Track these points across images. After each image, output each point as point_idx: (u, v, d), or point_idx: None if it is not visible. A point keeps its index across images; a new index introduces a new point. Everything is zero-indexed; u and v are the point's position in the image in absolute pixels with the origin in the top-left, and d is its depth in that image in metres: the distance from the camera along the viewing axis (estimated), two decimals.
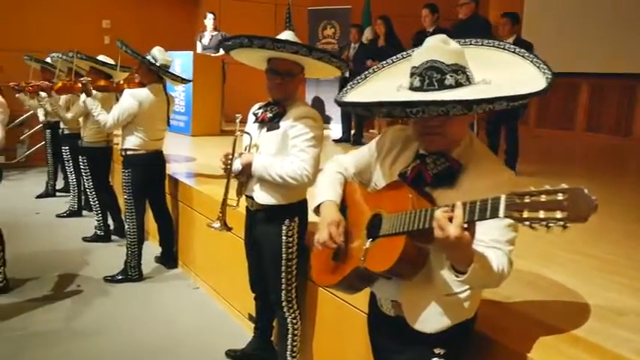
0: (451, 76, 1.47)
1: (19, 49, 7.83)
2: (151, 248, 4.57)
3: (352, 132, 7.29)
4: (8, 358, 3.07)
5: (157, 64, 4.02)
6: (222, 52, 7.72)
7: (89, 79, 4.28)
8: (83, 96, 4.19)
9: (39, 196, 6.66)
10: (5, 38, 8.52)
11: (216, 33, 7.77)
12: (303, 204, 2.66)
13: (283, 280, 2.65)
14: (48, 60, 5.88)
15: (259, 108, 2.63)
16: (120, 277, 4.12)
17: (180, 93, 7.38)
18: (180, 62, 7.26)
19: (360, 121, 7.40)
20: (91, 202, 5.10)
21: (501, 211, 1.15)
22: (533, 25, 9.16)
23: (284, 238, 2.61)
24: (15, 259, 4.15)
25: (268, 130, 2.53)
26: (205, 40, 7.83)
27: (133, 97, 3.94)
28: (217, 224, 2.70)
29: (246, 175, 2.59)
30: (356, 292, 1.79)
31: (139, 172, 4.07)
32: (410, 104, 1.42)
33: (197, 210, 4.14)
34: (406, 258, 1.45)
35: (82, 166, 5.01)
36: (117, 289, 4.02)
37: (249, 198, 2.66)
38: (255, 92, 9.67)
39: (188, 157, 5.91)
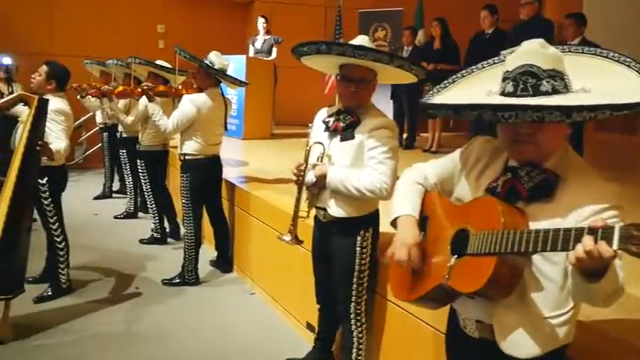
0: (547, 82, 1.37)
1: (78, 54, 8.07)
2: (207, 252, 4.58)
3: (404, 135, 7.16)
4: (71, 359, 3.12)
5: (215, 67, 4.03)
6: (274, 55, 7.77)
7: (150, 84, 4.33)
8: (144, 100, 4.25)
9: (96, 198, 6.82)
10: (66, 44, 8.80)
11: (268, 37, 7.80)
12: (376, 215, 2.58)
13: (354, 292, 2.56)
14: (107, 65, 6.01)
15: (329, 116, 2.52)
16: (177, 281, 4.14)
17: (232, 97, 7.43)
18: (233, 66, 7.29)
19: (413, 125, 7.27)
20: (149, 205, 5.18)
21: (615, 244, 1.09)
22: (592, 26, 8.78)
23: (358, 249, 2.52)
24: (76, 259, 4.23)
25: (342, 140, 2.43)
26: (258, 44, 7.86)
27: (192, 103, 3.96)
28: (288, 237, 2.61)
29: (319, 187, 2.50)
30: (437, 309, 1.70)
31: (197, 177, 4.08)
32: (503, 107, 1.33)
33: (254, 215, 4.12)
34: (496, 280, 1.36)
35: (139, 170, 5.09)
36: (174, 292, 4.04)
37: (321, 209, 2.58)
38: (306, 96, 9.73)
39: (241, 161, 5.92)
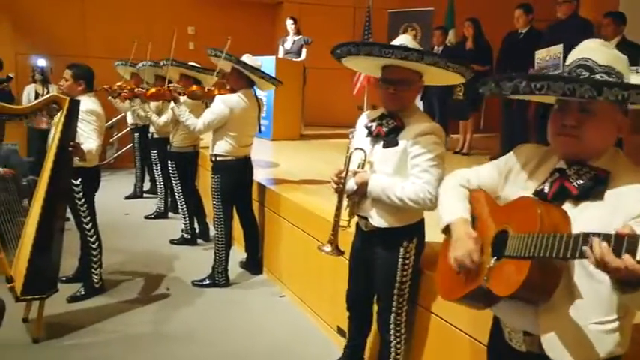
0: (601, 76, 1.32)
1: (110, 56, 8.18)
2: (237, 254, 4.57)
3: None
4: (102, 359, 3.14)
5: (249, 64, 4.01)
6: (303, 56, 7.75)
7: (179, 86, 4.34)
8: (172, 102, 4.26)
9: (127, 197, 6.90)
10: (98, 46, 8.95)
11: (298, 37, 7.78)
12: (421, 225, 2.47)
13: (394, 303, 2.47)
14: (139, 66, 6.08)
15: (372, 120, 2.41)
16: (207, 282, 4.14)
17: (261, 97, 7.42)
18: (263, 67, 7.28)
19: (443, 126, 7.11)
20: (179, 206, 5.21)
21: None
22: (631, 25, 8.53)
23: (400, 260, 2.41)
24: (107, 259, 4.26)
25: (385, 146, 2.31)
26: (287, 45, 7.85)
27: (224, 103, 3.95)
28: (328, 248, 2.48)
29: (360, 195, 2.39)
30: (483, 309, 1.64)
31: (227, 178, 4.07)
32: (537, 77, 1.32)
33: (284, 217, 4.09)
34: (531, 284, 1.33)
35: (170, 171, 5.12)
36: (204, 293, 4.04)
37: (363, 218, 2.48)
38: (335, 97, 9.68)
39: (270, 162, 5.91)
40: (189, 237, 5.15)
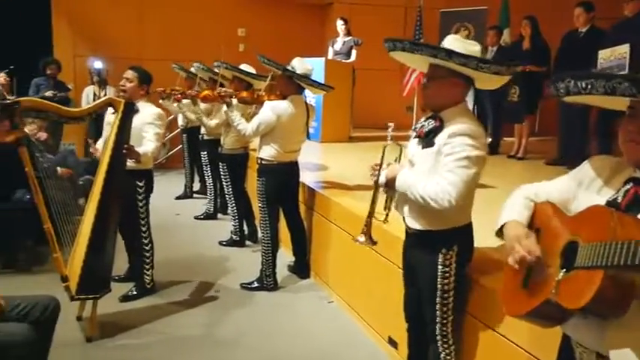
0: None
1: (164, 58, 8.35)
2: (285, 257, 4.55)
3: (488, 140, 6.83)
4: None
5: (297, 73, 3.98)
6: (353, 57, 7.67)
7: (231, 90, 4.35)
8: (225, 106, 4.27)
9: (178, 197, 7.00)
10: (153, 49, 9.14)
11: (348, 38, 7.70)
12: (464, 231, 2.37)
13: (438, 312, 2.39)
14: (192, 69, 6.15)
15: (424, 121, 2.37)
16: (256, 285, 4.13)
17: (310, 99, 7.39)
18: (312, 69, 7.26)
19: (496, 129, 6.94)
20: (229, 208, 5.23)
21: None
22: None
23: (440, 267, 2.32)
24: (157, 259, 4.31)
25: (423, 147, 2.27)
26: (337, 46, 7.79)
27: (272, 110, 3.93)
28: (362, 238, 2.50)
29: (390, 188, 2.39)
30: (549, 327, 1.55)
31: (272, 181, 4.06)
32: (581, 76, 1.33)
33: (333, 221, 4.03)
34: (604, 296, 1.24)
35: (221, 173, 5.14)
36: (253, 297, 4.03)
37: (404, 219, 2.44)
38: (384, 98, 9.55)
39: (319, 165, 5.87)
40: (237, 239, 5.17)
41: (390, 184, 2.35)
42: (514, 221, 1.63)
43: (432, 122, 2.26)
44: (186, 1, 9.38)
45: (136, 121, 3.60)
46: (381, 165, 2.39)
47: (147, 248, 3.91)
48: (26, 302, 2.53)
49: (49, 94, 6.90)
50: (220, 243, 5.17)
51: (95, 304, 3.35)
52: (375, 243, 2.54)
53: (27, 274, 4.30)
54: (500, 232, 1.69)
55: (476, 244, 2.45)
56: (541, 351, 2.06)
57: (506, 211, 1.69)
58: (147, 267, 3.94)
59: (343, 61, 7.65)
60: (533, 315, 1.50)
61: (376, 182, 2.42)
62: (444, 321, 2.40)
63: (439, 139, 2.19)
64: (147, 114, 3.71)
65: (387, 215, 2.50)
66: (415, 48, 2.20)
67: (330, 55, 7.84)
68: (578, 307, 1.28)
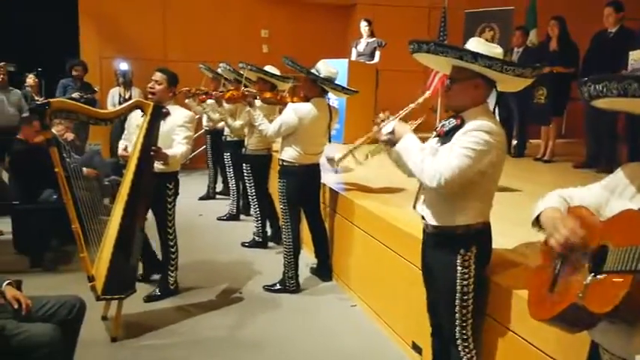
0: None
1: (188, 60, 8.42)
2: (307, 259, 4.53)
3: (513, 143, 6.74)
4: None
5: (321, 76, 3.95)
6: (377, 59, 7.63)
7: (254, 91, 4.35)
8: (248, 106, 4.28)
9: (201, 198, 7.04)
10: (177, 50, 9.23)
11: (372, 40, 7.66)
12: (482, 232, 2.34)
13: (457, 315, 2.36)
14: (219, 70, 6.17)
15: (445, 121, 2.37)
16: (278, 287, 4.12)
17: (333, 101, 7.36)
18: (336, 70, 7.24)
19: (522, 131, 6.82)
20: (252, 209, 5.23)
21: None
22: None
23: (459, 268, 2.30)
24: (182, 259, 4.33)
25: (441, 145, 2.26)
26: (361, 47, 7.75)
27: (295, 112, 3.91)
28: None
29: (390, 142, 2.38)
30: (576, 332, 1.53)
31: (292, 183, 4.05)
32: (598, 79, 1.31)
33: (356, 224, 4.00)
34: (632, 301, 1.22)
35: (245, 173, 5.15)
36: (275, 299, 4.03)
37: (423, 219, 2.43)
38: (407, 99, 9.47)
39: (343, 167, 5.82)
40: (260, 240, 5.17)
41: (393, 140, 2.34)
42: (551, 208, 1.63)
43: (453, 121, 2.26)
44: (210, 2, 9.44)
45: (168, 123, 3.62)
46: (395, 117, 2.41)
47: (172, 250, 3.92)
48: (52, 302, 2.56)
49: (75, 95, 7.00)
50: (243, 244, 5.18)
51: (120, 304, 3.38)
52: (337, 171, 2.61)
53: (53, 274, 4.36)
54: (536, 223, 1.69)
55: (497, 246, 2.45)
56: (561, 353, 2.02)
57: (542, 203, 1.70)
58: (171, 268, 3.96)
59: (366, 62, 7.61)
60: (559, 319, 1.48)
61: (379, 124, 2.45)
62: (464, 324, 2.38)
63: (456, 135, 2.20)
64: (179, 116, 3.71)
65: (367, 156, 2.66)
66: (440, 50, 2.19)
67: (354, 57, 7.81)
68: (606, 311, 1.27)
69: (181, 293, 4.03)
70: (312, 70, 3.98)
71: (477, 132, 2.12)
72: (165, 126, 3.59)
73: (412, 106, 2.56)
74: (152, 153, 3.42)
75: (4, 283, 2.50)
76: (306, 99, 4.04)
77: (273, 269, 4.32)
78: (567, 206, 1.64)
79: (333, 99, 7.18)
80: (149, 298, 3.87)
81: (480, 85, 2.24)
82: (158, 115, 3.50)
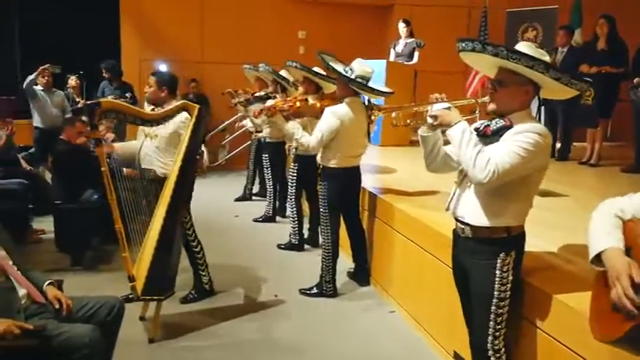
0: None
1: (225, 61, 8.49)
2: (344, 263, 4.46)
3: (557, 146, 6.51)
4: None
5: (353, 76, 3.85)
6: (415, 59, 7.51)
7: (285, 107, 4.27)
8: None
9: (237, 199, 7.04)
10: (214, 52, 9.31)
11: (410, 40, 7.54)
12: (520, 237, 2.31)
13: (491, 323, 2.29)
14: (260, 69, 6.13)
15: (489, 121, 2.33)
16: (315, 291, 4.06)
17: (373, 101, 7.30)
18: (373, 71, 7.15)
19: (567, 134, 6.60)
20: (289, 210, 5.18)
21: None
22: None
23: (497, 272, 2.25)
24: (218, 260, 4.33)
25: (487, 144, 2.20)
26: (399, 48, 7.65)
27: (334, 115, 3.84)
28: None
29: (436, 127, 2.30)
30: None
31: (333, 186, 3.98)
32: None
33: (396, 228, 3.91)
34: None
35: (290, 174, 5.08)
36: (312, 303, 3.97)
37: (460, 223, 2.36)
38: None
39: (380, 169, 5.75)
40: (296, 242, 5.13)
41: (439, 123, 2.26)
42: (617, 250, 1.57)
43: (501, 122, 2.24)
44: (247, 4, 9.49)
45: (170, 124, 3.54)
46: (446, 104, 2.30)
47: (197, 251, 3.87)
48: (93, 303, 2.56)
49: (111, 97, 7.12)
50: (279, 246, 5.15)
51: (159, 305, 3.38)
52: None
53: (93, 273, 4.41)
54: (595, 259, 1.64)
55: (535, 249, 2.47)
56: None
57: (601, 232, 1.63)
58: (202, 268, 3.92)
59: (405, 63, 7.50)
60: (626, 340, 1.43)
61: (431, 107, 2.32)
62: (497, 333, 2.31)
63: (507, 135, 2.18)
64: (179, 116, 3.58)
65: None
66: (513, 56, 2.10)
67: (392, 58, 7.71)
68: None
69: (217, 295, 4.01)
70: (347, 69, 3.89)
71: (530, 133, 2.10)
72: (168, 127, 3.56)
73: (464, 102, 2.49)
74: (198, 157, 3.43)
75: (46, 283, 2.52)
76: (336, 101, 3.97)
77: (310, 272, 4.26)
78: (621, 223, 1.62)
79: (373, 100, 7.12)
80: (185, 300, 3.86)
81: (530, 91, 2.23)
82: (203, 117, 3.50)
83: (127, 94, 7.35)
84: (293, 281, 4.29)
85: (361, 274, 4.33)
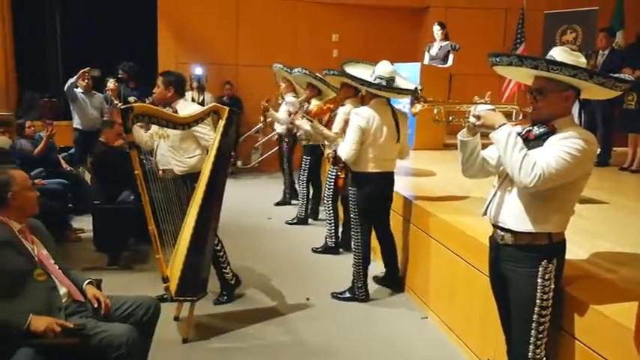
0: None
1: (260, 64, 8.55)
2: (375, 268, 4.43)
3: (597, 150, 6.33)
4: None
5: (373, 77, 3.82)
6: (450, 63, 7.43)
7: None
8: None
9: (277, 204, 6.93)
10: (248, 55, 9.40)
11: (445, 43, 7.46)
12: (561, 244, 2.27)
13: (533, 332, 2.24)
14: (295, 72, 6.12)
15: (531, 126, 2.29)
16: (347, 295, 4.05)
17: (403, 106, 7.24)
18: (407, 74, 7.10)
19: (607, 139, 6.41)
20: (326, 212, 5.16)
21: None
22: None
23: (540, 280, 2.21)
24: (250, 263, 4.36)
25: (530, 149, 2.15)
26: (433, 51, 7.57)
27: (359, 116, 3.80)
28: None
29: (478, 129, 2.24)
30: None
31: (365, 192, 3.94)
32: None
33: (430, 234, 3.85)
34: None
35: (329, 176, 5.05)
36: (343, 307, 3.96)
37: (499, 229, 2.32)
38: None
39: (413, 173, 5.70)
40: (332, 245, 5.08)
41: (482, 124, 2.20)
42: None
43: (544, 126, 2.21)
44: (281, 8, 9.55)
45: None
46: (490, 106, 2.25)
47: (218, 248, 3.84)
48: (130, 302, 2.61)
49: (131, 99, 7.24)
50: (314, 250, 5.13)
51: (192, 305, 3.43)
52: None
53: (129, 272, 4.50)
54: None
55: (575, 257, 2.44)
56: None
57: None
58: (224, 265, 3.91)
59: (439, 66, 7.42)
60: None
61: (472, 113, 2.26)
62: (538, 342, 2.26)
63: (552, 140, 2.14)
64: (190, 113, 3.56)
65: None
66: (554, 68, 2.08)
67: (426, 61, 7.64)
68: None
69: (250, 296, 4.05)
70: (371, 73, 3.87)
71: (577, 139, 2.07)
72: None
73: (507, 107, 2.44)
74: (231, 158, 3.48)
75: (85, 282, 2.58)
76: (365, 102, 3.96)
77: (344, 276, 4.25)
78: None
79: (405, 102, 7.07)
80: (218, 302, 3.89)
81: (570, 96, 2.20)
82: (233, 119, 3.53)
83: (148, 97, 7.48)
84: (326, 285, 4.28)
85: (392, 280, 4.30)
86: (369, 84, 3.84)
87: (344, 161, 4.02)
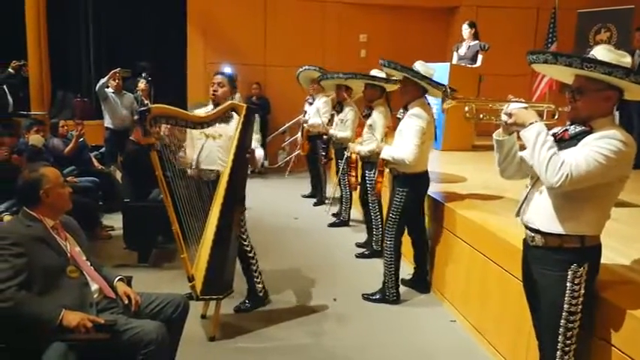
0: None
1: (287, 65, 8.56)
2: (405, 269, 4.38)
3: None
4: None
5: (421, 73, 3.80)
6: (479, 62, 7.32)
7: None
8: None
9: (316, 204, 6.91)
10: (276, 55, 9.43)
11: (474, 43, 7.34)
12: (595, 249, 2.20)
13: (560, 337, 2.19)
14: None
15: (568, 126, 2.25)
16: (377, 297, 4.01)
17: (432, 105, 7.15)
18: (436, 74, 7.02)
19: None
20: (372, 216, 5.03)
21: None
22: None
23: (569, 285, 2.16)
24: (278, 264, 4.34)
25: (563, 148, 2.12)
26: (462, 50, 7.46)
27: (418, 117, 3.77)
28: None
29: (509, 126, 2.21)
30: None
31: (412, 192, 3.89)
32: None
33: (460, 237, 3.79)
34: None
35: (367, 179, 4.99)
36: (373, 308, 3.93)
37: (529, 229, 2.29)
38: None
39: (442, 174, 5.61)
40: (379, 249, 4.87)
41: (514, 122, 2.18)
42: None
43: (580, 126, 2.16)
44: (309, 8, 9.55)
45: (232, 124, 3.52)
46: (521, 102, 2.24)
47: (251, 255, 3.78)
48: (160, 300, 2.63)
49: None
50: (357, 256, 5.03)
51: (219, 304, 3.43)
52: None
53: (158, 270, 4.54)
54: None
55: (608, 261, 2.37)
56: None
57: None
58: (256, 274, 3.83)
59: (468, 66, 7.32)
60: None
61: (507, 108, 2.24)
62: (566, 348, 2.21)
63: (587, 139, 2.08)
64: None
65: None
66: (588, 65, 2.03)
67: (455, 60, 7.54)
68: None
69: (278, 296, 4.03)
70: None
71: (613, 140, 2.01)
72: (232, 126, 3.52)
73: (543, 106, 2.39)
74: (247, 155, 3.46)
75: (116, 279, 2.61)
76: (407, 103, 3.91)
77: (371, 278, 4.23)
78: None
79: (433, 103, 6.99)
80: (239, 309, 3.79)
81: (611, 96, 2.14)
82: (251, 116, 3.52)
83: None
84: (356, 286, 4.25)
85: (422, 282, 4.25)
86: (437, 84, 3.81)
87: (385, 162, 4.04)
